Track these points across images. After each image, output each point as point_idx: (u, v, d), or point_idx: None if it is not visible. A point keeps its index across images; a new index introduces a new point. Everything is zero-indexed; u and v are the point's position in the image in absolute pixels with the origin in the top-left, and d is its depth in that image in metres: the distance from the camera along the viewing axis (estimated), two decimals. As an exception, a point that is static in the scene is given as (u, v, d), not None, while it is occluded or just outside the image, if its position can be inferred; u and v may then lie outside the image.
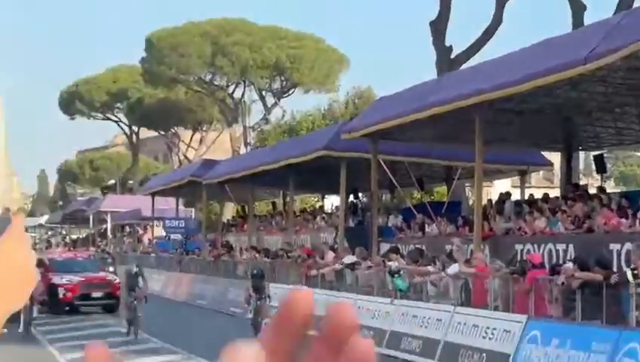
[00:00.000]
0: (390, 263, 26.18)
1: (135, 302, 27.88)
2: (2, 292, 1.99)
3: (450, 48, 45.17)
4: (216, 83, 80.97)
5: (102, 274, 38.68)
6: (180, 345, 24.65)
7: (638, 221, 21.14)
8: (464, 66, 40.77)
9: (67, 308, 36.04)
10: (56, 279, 36.49)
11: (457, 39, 46.25)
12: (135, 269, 29.65)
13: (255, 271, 28.42)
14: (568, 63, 20.30)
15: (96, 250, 70.16)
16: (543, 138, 32.37)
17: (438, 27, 45.54)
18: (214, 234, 54.04)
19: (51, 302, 35.72)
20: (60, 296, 36.10)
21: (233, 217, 61.00)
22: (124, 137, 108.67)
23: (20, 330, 26.41)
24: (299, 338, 0.69)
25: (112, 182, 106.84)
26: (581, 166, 47.51)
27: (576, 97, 26.26)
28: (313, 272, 30.54)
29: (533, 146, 33.55)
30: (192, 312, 36.10)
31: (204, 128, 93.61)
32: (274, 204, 57.92)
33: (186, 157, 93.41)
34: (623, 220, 21.54)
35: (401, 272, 25.02)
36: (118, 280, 36.59)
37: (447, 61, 44.42)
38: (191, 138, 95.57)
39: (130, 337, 27.18)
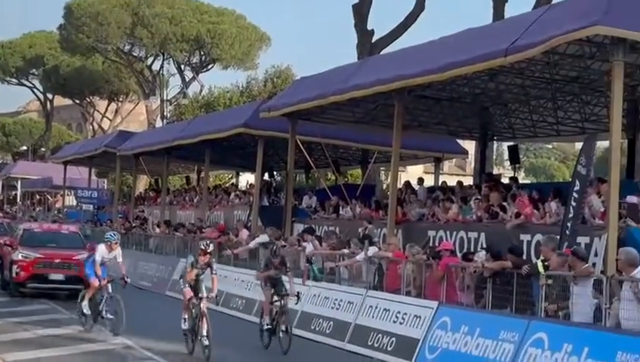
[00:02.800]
0: (304, 244, 26.30)
1: (200, 305, 18.83)
2: None
3: (372, 32, 45.37)
4: (134, 54, 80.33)
5: (74, 251, 29.66)
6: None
7: (547, 213, 21.50)
8: (385, 51, 41.02)
9: (21, 290, 29.57)
10: (15, 254, 29.83)
11: (379, 24, 46.46)
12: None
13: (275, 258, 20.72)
14: (489, 55, 20.50)
15: (4, 216, 69.01)
16: (460, 126, 32.72)
17: (361, 10, 45.68)
18: (127, 207, 53.67)
19: (2, 282, 31.12)
20: (14, 274, 29.53)
21: (146, 190, 60.60)
22: (38, 104, 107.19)
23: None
24: None
25: (24, 148, 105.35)
26: (493, 155, 48.02)
27: (494, 88, 26.63)
28: (227, 252, 30.43)
29: (450, 134, 33.88)
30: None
31: (120, 99, 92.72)
32: (188, 178, 57.72)
33: (100, 127, 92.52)
34: (535, 211, 21.90)
35: (313, 258, 25.03)
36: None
37: (368, 45, 44.61)
38: (106, 108, 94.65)
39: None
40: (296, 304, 20.66)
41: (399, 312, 19.93)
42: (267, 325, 20.02)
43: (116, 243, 22.67)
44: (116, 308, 21.36)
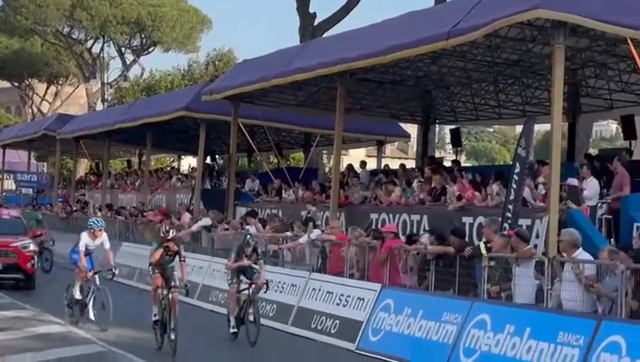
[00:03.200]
0: (247, 227, 26.25)
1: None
2: None
3: (314, 15, 45.30)
4: (74, 36, 79.34)
5: (13, 238, 28.46)
6: (29, 301, 24.16)
7: (489, 196, 21.63)
8: (327, 34, 40.99)
9: None
10: None
11: (322, 7, 46.38)
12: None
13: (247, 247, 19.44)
14: (431, 37, 20.54)
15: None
16: (402, 109, 32.83)
17: (303, -7, 45.60)
18: (67, 190, 53.22)
19: None
20: None
21: (87, 174, 60.12)
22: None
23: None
24: None
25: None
26: (435, 138, 48.22)
27: (437, 71, 26.74)
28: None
29: (392, 117, 33.97)
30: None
31: (59, 82, 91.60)
32: (129, 162, 57.34)
33: (40, 110, 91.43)
34: (477, 193, 22.01)
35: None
36: (32, 248, 28.44)
37: (310, 28, 44.56)
38: (46, 91, 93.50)
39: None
40: (265, 292, 19.70)
41: (342, 295, 19.95)
42: (233, 328, 19.15)
43: (100, 231, 21.29)
44: (103, 300, 20.21)
